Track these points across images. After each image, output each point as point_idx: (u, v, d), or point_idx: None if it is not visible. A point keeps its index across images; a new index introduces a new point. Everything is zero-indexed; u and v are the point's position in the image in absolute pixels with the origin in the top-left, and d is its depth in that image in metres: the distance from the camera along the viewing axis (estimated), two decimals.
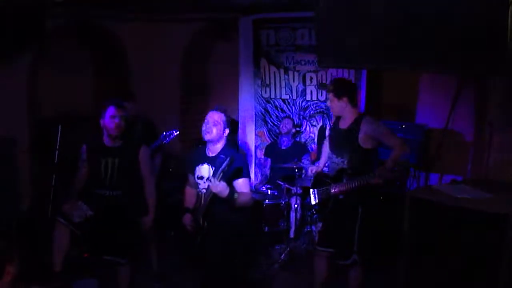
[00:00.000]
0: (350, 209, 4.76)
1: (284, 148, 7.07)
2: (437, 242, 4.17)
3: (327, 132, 5.13)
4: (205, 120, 4.56)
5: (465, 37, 3.45)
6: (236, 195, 4.42)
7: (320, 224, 5.00)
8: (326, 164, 5.12)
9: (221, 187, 4.33)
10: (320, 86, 6.95)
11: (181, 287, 5.60)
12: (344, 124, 4.84)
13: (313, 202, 5.02)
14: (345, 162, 4.81)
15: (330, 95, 4.85)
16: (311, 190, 5.05)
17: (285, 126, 7.03)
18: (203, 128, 4.56)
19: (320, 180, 5.03)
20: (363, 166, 4.71)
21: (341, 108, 4.81)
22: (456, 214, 4.02)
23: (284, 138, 7.08)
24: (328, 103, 4.97)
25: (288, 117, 7.28)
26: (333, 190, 4.80)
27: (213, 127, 4.51)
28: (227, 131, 4.60)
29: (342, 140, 4.85)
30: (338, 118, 4.94)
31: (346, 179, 4.75)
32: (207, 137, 4.55)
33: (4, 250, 2.89)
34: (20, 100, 6.98)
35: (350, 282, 4.91)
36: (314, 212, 5.04)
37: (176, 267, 5.96)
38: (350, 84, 5.30)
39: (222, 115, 4.55)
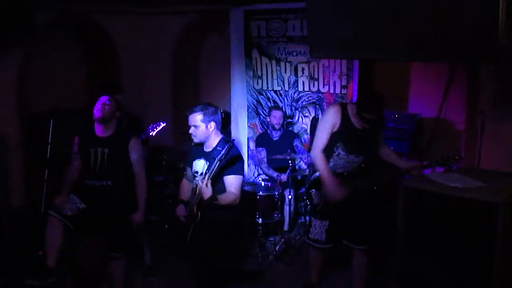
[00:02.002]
0: (370, 200, 4.84)
1: (275, 139, 7.06)
2: (430, 230, 4.18)
3: (330, 129, 4.78)
4: (189, 126, 4.60)
5: (457, 26, 3.46)
6: (218, 198, 4.41)
7: (326, 222, 4.95)
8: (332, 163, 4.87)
9: (205, 190, 4.34)
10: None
11: (175, 280, 5.60)
12: (359, 124, 4.69)
13: (315, 202, 5.01)
14: (365, 159, 4.80)
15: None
16: (312, 190, 5.00)
17: (277, 121, 6.97)
18: (190, 133, 4.62)
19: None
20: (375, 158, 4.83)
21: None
22: (449, 202, 4.03)
23: (276, 132, 7.07)
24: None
25: (277, 107, 7.20)
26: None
27: (196, 130, 4.57)
28: (212, 124, 4.60)
29: (363, 139, 4.74)
30: (346, 112, 4.73)
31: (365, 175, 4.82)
32: (195, 140, 4.64)
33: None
34: (10, 96, 6.94)
35: (360, 269, 4.99)
36: (318, 209, 5.00)
37: (170, 260, 5.96)
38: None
39: (197, 114, 4.55)
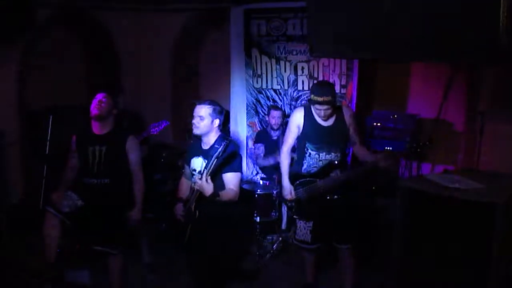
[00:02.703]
0: (350, 200, 4.85)
1: (274, 138, 7.04)
2: (428, 231, 4.18)
3: (296, 131, 4.93)
4: (193, 115, 4.60)
5: (457, 26, 3.45)
6: (220, 194, 4.43)
7: (310, 223, 4.97)
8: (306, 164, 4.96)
9: (205, 186, 4.34)
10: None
11: (174, 278, 5.59)
12: (326, 121, 4.80)
13: (289, 204, 5.08)
14: (337, 157, 4.83)
15: (329, 106, 4.65)
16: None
17: (275, 122, 6.93)
18: (193, 123, 4.60)
19: (295, 179, 5.00)
20: (346, 156, 4.86)
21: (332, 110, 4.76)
22: (447, 203, 4.03)
23: (275, 131, 7.04)
24: (325, 112, 4.69)
25: (275, 107, 7.17)
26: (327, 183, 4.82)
27: (200, 121, 4.55)
28: (216, 122, 4.61)
29: (330, 136, 4.81)
30: (310, 111, 4.84)
31: (338, 172, 4.81)
32: (195, 131, 4.62)
33: None
34: (10, 92, 6.93)
35: (348, 267, 5.00)
36: (293, 211, 5.04)
37: (168, 257, 5.95)
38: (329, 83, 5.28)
39: (207, 107, 4.56)
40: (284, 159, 5.05)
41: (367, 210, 5.29)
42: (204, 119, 4.54)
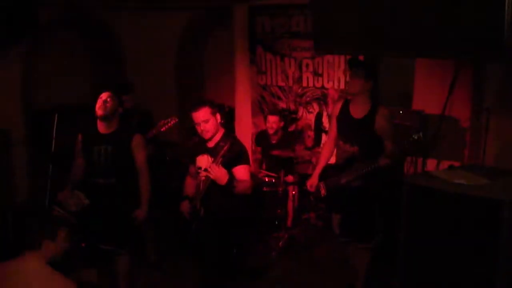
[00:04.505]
0: (369, 195, 4.80)
1: (274, 142, 6.94)
2: (434, 227, 4.17)
3: (329, 119, 5.00)
4: (196, 123, 4.51)
5: (462, 24, 3.44)
6: (235, 182, 4.40)
7: (338, 216, 4.99)
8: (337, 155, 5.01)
9: (219, 173, 4.31)
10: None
11: (179, 275, 5.60)
12: (357, 113, 4.77)
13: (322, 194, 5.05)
14: (358, 151, 4.78)
15: (360, 73, 4.71)
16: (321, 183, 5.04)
17: (271, 126, 6.78)
18: (199, 131, 4.53)
19: (327, 171, 5.02)
20: (376, 153, 4.71)
21: (361, 90, 4.71)
22: (453, 199, 4.01)
23: (273, 136, 6.95)
24: (348, 80, 4.83)
25: (272, 112, 7.02)
26: (343, 180, 4.79)
27: (206, 124, 4.47)
28: (218, 117, 4.56)
29: (356, 130, 4.77)
30: (347, 103, 4.86)
31: (360, 166, 4.75)
32: (207, 136, 4.53)
33: None
34: (15, 91, 6.95)
35: (359, 264, 4.99)
36: (325, 204, 5.06)
37: (173, 256, 5.97)
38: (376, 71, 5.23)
39: (206, 107, 4.48)
40: (323, 149, 5.23)
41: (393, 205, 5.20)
42: (209, 121, 4.47)
